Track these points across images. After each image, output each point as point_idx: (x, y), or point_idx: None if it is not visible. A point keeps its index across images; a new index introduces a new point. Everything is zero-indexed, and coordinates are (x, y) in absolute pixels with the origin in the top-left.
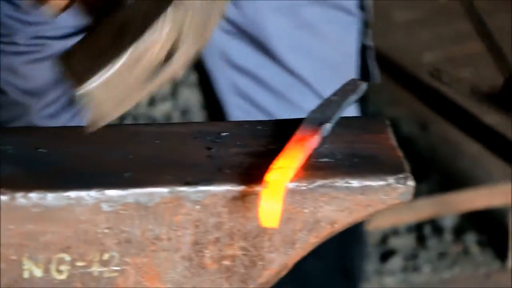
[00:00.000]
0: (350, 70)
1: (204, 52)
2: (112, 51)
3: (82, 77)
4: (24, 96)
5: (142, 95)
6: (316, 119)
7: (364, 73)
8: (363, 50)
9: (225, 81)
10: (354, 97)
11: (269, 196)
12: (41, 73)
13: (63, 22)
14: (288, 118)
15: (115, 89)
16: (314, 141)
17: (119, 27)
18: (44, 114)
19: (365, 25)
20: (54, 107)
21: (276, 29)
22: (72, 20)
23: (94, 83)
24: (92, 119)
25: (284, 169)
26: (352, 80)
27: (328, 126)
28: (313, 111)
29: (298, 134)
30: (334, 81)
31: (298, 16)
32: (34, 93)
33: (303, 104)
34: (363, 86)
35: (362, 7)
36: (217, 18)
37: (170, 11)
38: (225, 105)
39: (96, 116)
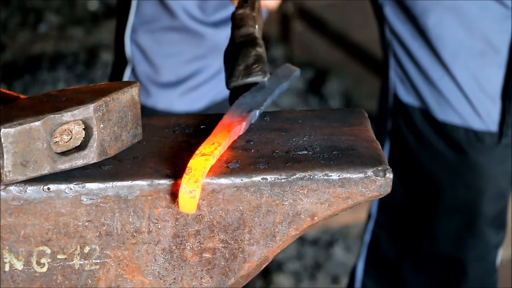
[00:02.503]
0: (491, 63)
1: None
2: (32, 113)
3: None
4: None
5: (50, 169)
6: (245, 105)
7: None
8: None
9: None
10: (287, 83)
11: (188, 182)
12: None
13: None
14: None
15: (23, 145)
16: (240, 128)
17: (46, 99)
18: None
19: None
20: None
21: (424, 1)
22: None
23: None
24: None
25: (205, 155)
26: (286, 65)
27: (256, 113)
28: (244, 96)
29: (225, 120)
30: (471, 69)
31: None
32: None
33: (439, 83)
34: (297, 72)
35: None
36: (132, 124)
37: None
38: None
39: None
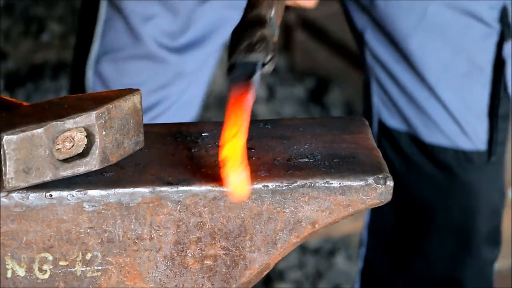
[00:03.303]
0: (476, 82)
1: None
2: (34, 120)
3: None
4: None
5: (52, 175)
6: (242, 74)
7: (497, 86)
8: (499, 63)
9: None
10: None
11: (232, 169)
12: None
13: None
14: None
15: (26, 152)
16: (250, 98)
17: (48, 107)
18: None
19: (502, 38)
20: None
21: (406, 26)
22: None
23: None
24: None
25: (233, 139)
26: None
27: (257, 77)
28: (237, 68)
29: (233, 97)
30: (457, 89)
31: (428, 17)
32: None
33: (425, 105)
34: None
35: (502, 20)
36: (133, 134)
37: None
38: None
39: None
